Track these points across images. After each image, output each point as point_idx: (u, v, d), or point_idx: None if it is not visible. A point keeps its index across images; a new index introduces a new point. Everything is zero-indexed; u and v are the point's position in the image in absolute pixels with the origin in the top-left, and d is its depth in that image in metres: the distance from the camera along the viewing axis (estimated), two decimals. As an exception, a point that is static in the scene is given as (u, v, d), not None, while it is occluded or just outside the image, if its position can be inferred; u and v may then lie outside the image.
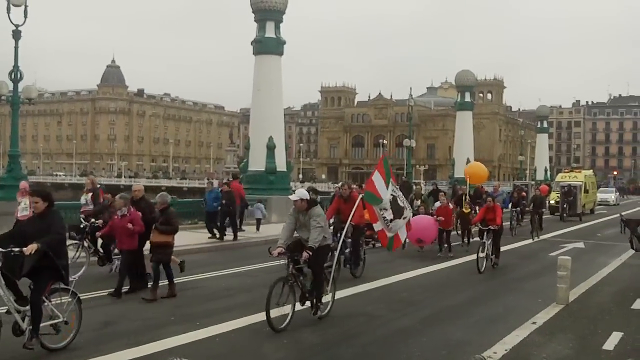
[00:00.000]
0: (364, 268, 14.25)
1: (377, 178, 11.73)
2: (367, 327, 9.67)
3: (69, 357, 7.61)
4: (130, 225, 11.30)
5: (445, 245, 18.37)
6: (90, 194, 15.17)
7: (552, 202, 37.99)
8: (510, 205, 27.54)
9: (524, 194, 28.59)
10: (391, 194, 11.82)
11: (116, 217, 11.68)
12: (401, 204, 12.05)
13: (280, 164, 32.90)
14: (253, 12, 32.65)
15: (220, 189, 20.81)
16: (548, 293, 11.88)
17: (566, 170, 46.72)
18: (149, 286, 11.37)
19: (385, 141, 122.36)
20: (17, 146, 21.81)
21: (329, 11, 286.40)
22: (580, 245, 22.03)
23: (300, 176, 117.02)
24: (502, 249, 18.77)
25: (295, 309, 9.31)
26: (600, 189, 61.50)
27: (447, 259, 17.52)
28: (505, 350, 8.22)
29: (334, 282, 10.30)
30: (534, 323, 9.71)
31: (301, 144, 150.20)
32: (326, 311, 9.90)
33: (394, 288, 13.01)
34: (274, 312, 8.87)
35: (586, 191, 39.27)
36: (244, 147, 35.16)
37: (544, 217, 26.81)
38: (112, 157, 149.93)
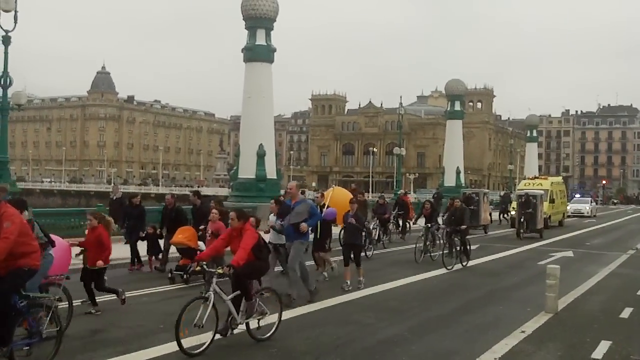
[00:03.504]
0: None
1: None
2: (356, 335, 9.62)
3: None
4: None
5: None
6: None
7: (513, 212, 32.87)
8: (420, 219, 20.20)
9: (456, 203, 19.27)
10: None
11: None
12: None
13: (271, 172, 32.90)
14: (244, 19, 32.74)
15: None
16: (537, 302, 11.93)
17: (530, 177, 41.18)
18: None
19: (375, 149, 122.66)
20: (6, 152, 21.71)
21: (321, 19, 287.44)
22: (569, 254, 22.08)
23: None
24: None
25: None
26: (574, 198, 57.50)
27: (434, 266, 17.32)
28: (495, 359, 8.25)
29: None
30: (523, 332, 9.75)
31: (291, 152, 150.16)
32: None
33: (383, 297, 12.98)
34: None
35: (552, 201, 34.31)
36: (234, 154, 35.17)
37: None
38: (101, 164, 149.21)
